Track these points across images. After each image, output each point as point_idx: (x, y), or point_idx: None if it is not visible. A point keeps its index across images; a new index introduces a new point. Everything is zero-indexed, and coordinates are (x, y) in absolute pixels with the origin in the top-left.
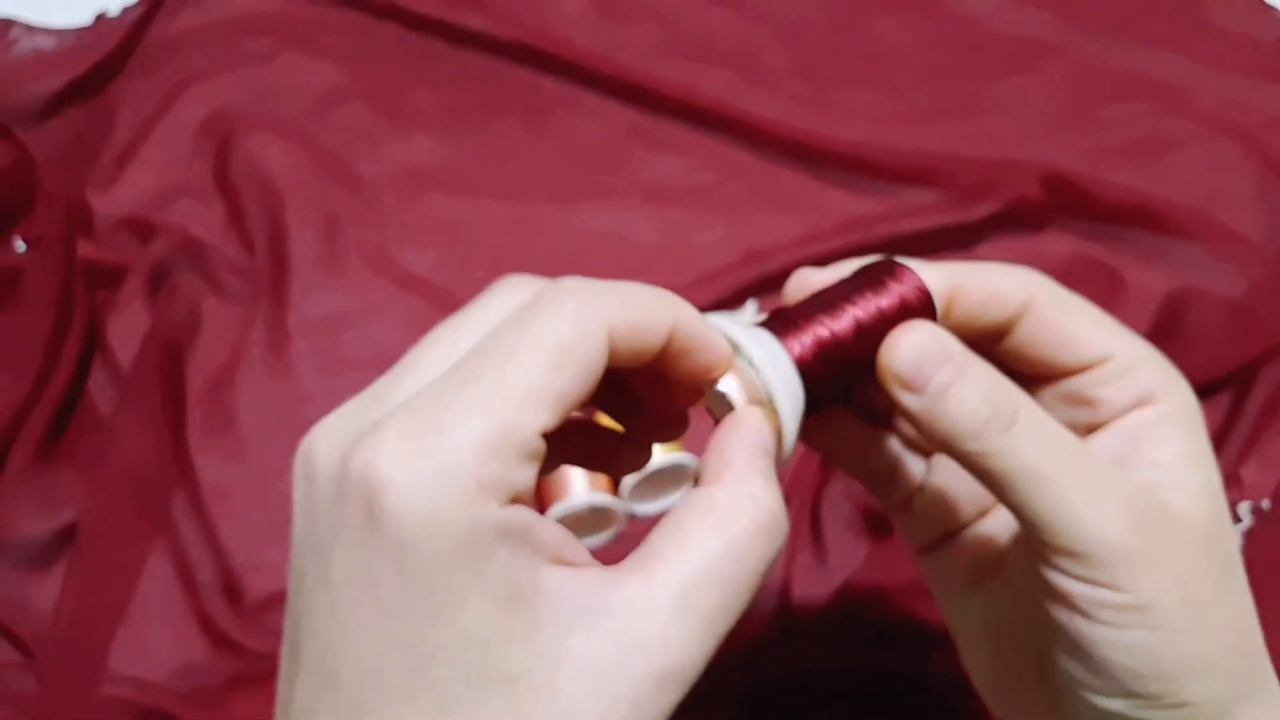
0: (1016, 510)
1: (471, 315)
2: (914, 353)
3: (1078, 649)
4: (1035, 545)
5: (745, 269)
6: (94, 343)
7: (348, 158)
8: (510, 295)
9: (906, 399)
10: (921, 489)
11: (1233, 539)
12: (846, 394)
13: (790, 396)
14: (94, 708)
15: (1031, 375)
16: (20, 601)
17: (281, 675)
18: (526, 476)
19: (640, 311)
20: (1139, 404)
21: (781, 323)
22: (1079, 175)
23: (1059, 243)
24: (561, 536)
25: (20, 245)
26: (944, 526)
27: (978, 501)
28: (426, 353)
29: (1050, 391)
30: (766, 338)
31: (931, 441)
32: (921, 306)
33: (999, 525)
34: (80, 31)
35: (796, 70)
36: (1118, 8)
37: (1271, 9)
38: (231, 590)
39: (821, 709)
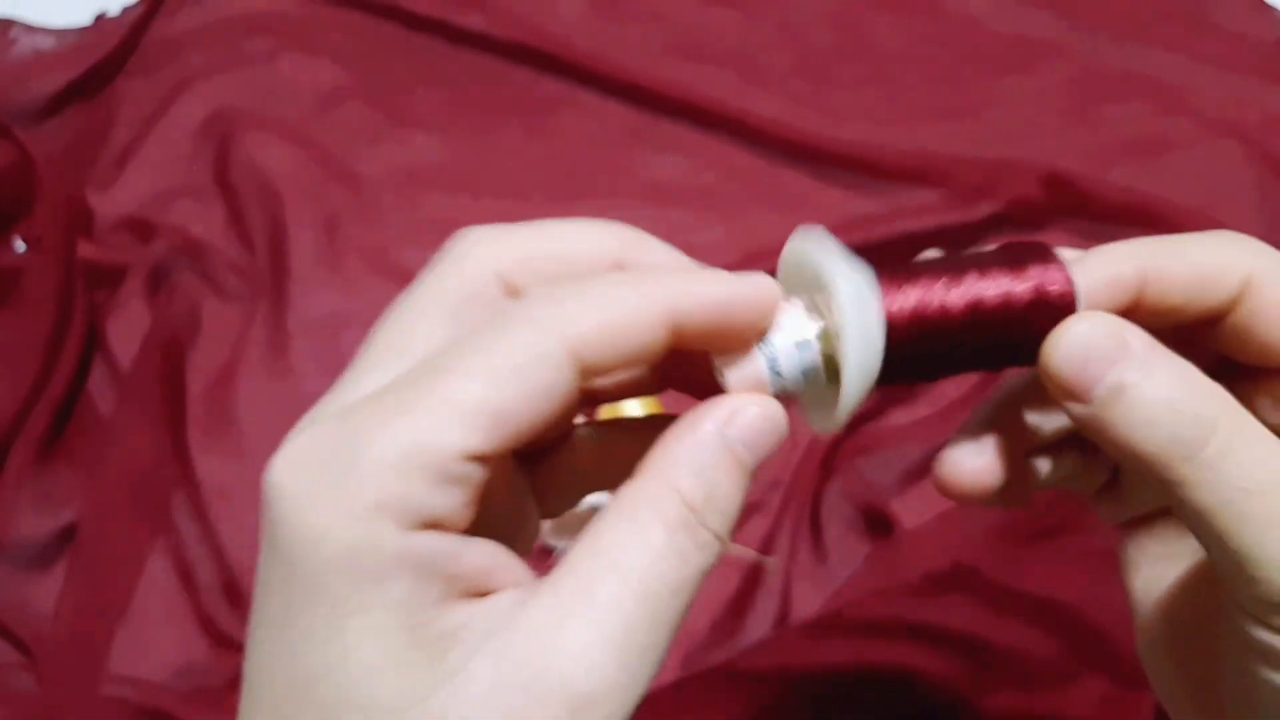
0: (1211, 548)
1: (424, 294)
2: (1079, 348)
3: (1263, 695)
4: (1232, 591)
5: (745, 269)
6: (94, 343)
7: (348, 158)
8: (463, 263)
9: (1071, 408)
10: None
11: None
12: (935, 374)
13: (864, 357)
14: (94, 708)
15: (1246, 370)
16: (20, 601)
17: None
18: (447, 501)
19: (616, 313)
20: None
21: (889, 273)
22: (1079, 175)
23: (1059, 243)
24: (489, 562)
25: (20, 245)
26: (1157, 501)
27: None
28: (371, 352)
29: (1269, 391)
30: (863, 281)
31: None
32: (1061, 303)
33: None
34: (80, 31)
35: (797, 70)
36: (1118, 8)
37: (1271, 9)
38: (231, 590)
39: (820, 708)
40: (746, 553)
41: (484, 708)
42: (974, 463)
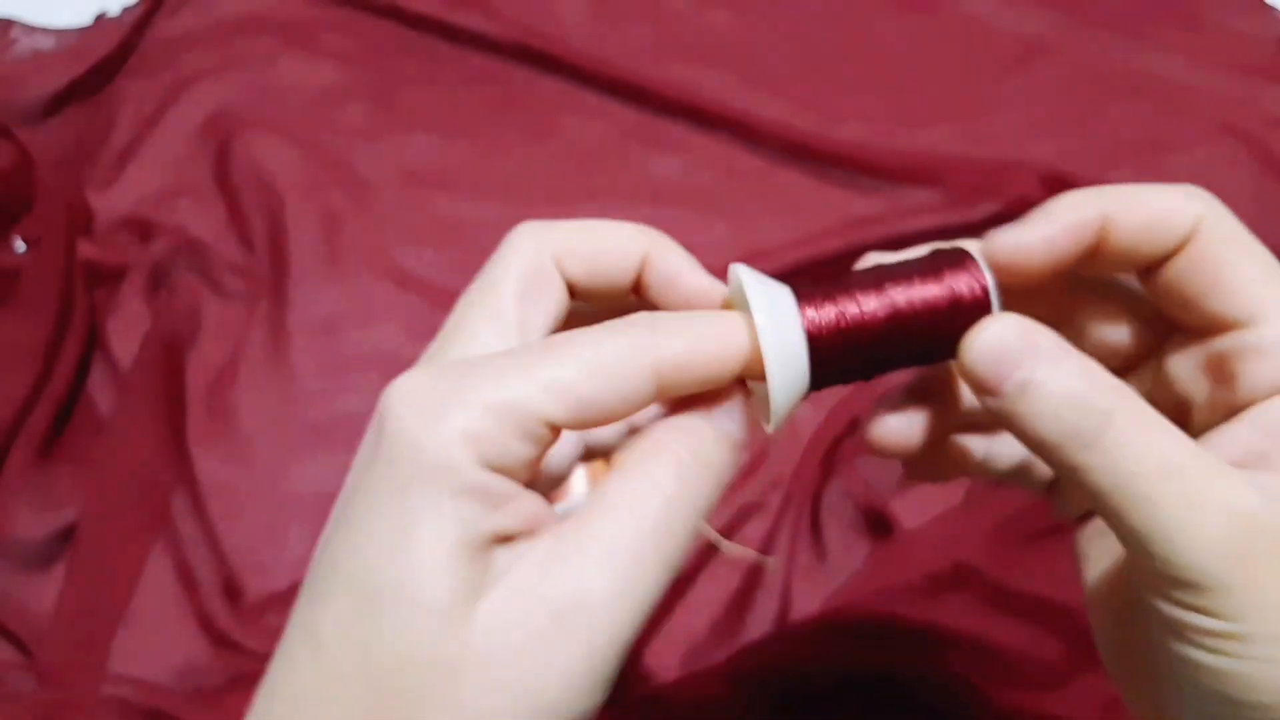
0: (1115, 530)
1: (498, 272)
2: (991, 348)
3: (1174, 668)
4: (1137, 570)
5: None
6: (94, 343)
7: (348, 158)
8: (523, 247)
9: (986, 401)
10: None
11: None
12: (869, 374)
13: (786, 367)
14: (94, 708)
15: (1179, 326)
16: (20, 601)
17: None
18: (522, 453)
19: (697, 346)
20: None
21: (812, 288)
22: (1079, 175)
23: None
24: (536, 510)
25: (20, 245)
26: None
27: None
28: (460, 318)
29: (1194, 355)
30: (784, 298)
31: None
32: (975, 306)
33: None
34: (80, 31)
35: (796, 70)
36: (1118, 8)
37: (1271, 9)
38: (231, 590)
39: (820, 708)
40: (746, 553)
41: (515, 617)
42: (898, 424)
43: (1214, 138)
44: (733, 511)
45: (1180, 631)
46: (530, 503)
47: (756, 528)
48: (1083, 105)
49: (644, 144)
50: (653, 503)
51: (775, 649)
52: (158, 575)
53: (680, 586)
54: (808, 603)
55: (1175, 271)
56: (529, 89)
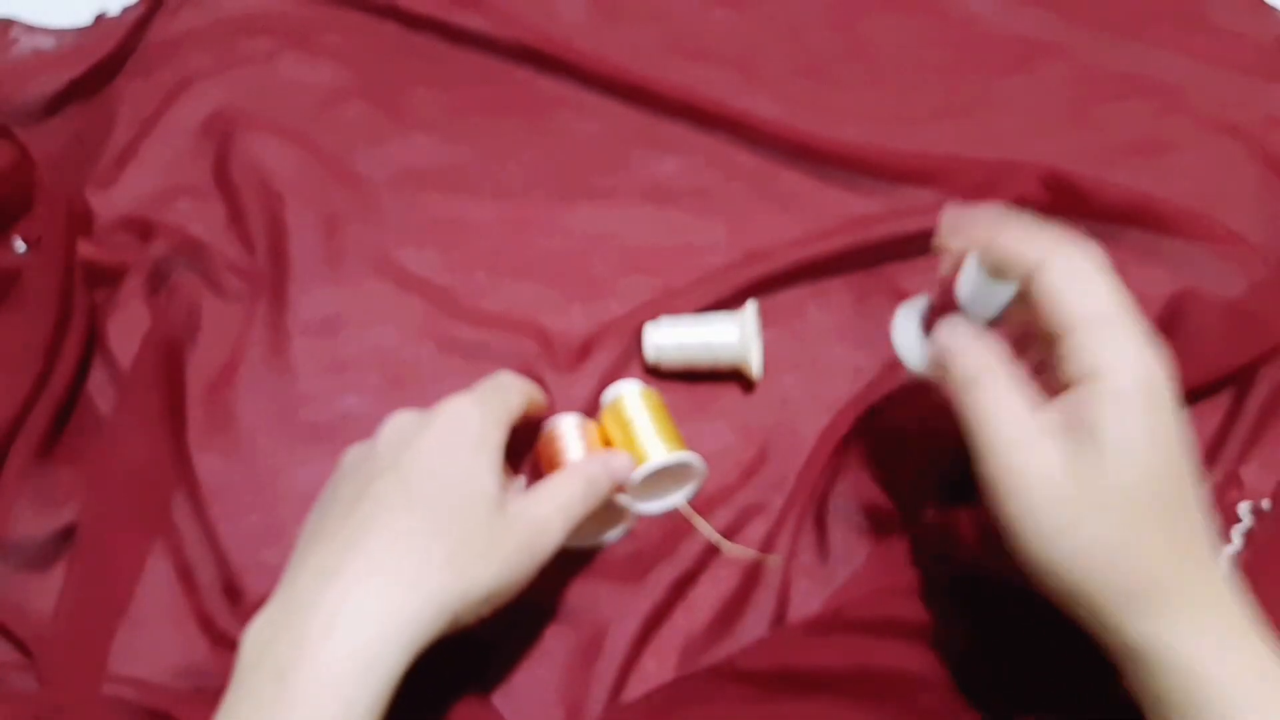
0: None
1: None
2: (944, 333)
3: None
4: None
5: (745, 269)
6: (94, 343)
7: (348, 158)
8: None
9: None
10: None
11: (1162, 510)
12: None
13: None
14: (94, 708)
15: (1053, 339)
16: (20, 601)
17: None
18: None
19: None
20: (1086, 378)
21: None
22: (1079, 175)
23: None
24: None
25: (20, 245)
26: None
27: None
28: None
29: (1059, 347)
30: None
31: None
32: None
33: None
34: (80, 31)
35: (797, 70)
36: (1118, 8)
37: (1271, 9)
38: (231, 590)
39: (820, 708)
40: (747, 552)
41: (518, 518)
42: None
43: (1214, 138)
44: (735, 512)
45: (1007, 529)
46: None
47: (758, 528)
48: (1083, 105)
49: (644, 144)
50: (575, 485)
51: (774, 648)
52: (158, 575)
53: (680, 586)
54: (809, 602)
55: (1032, 290)
56: (529, 89)
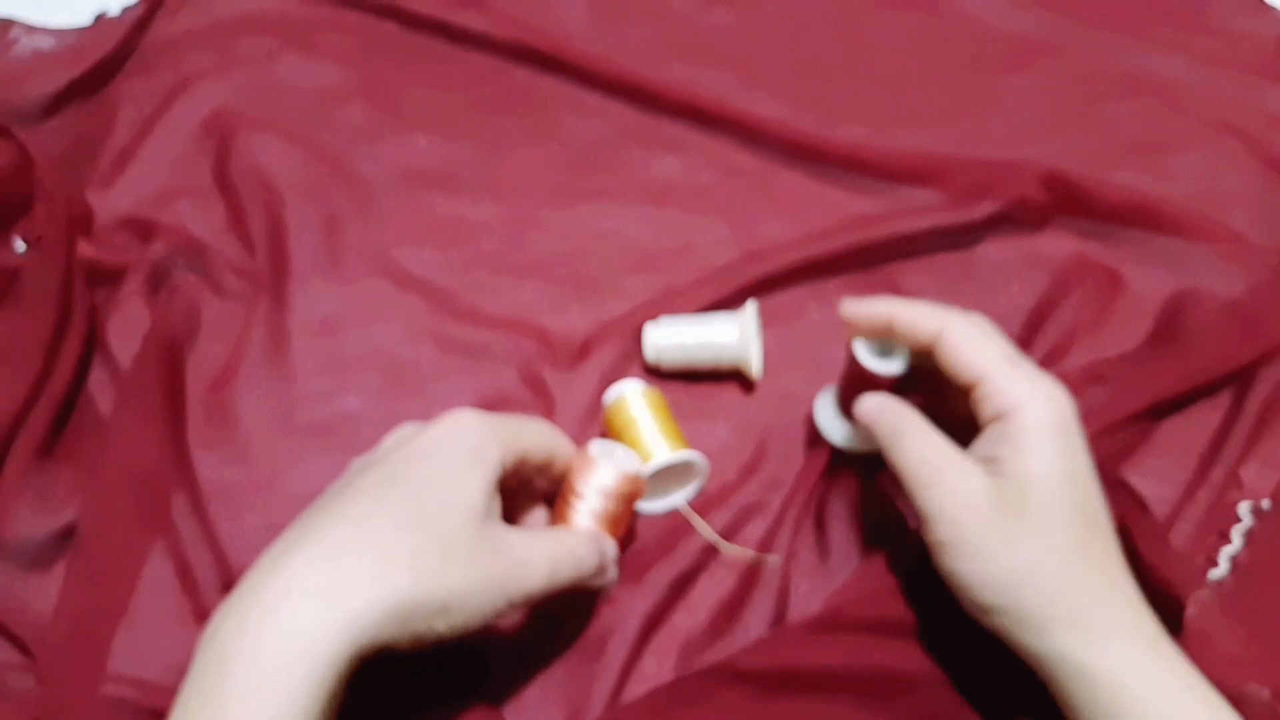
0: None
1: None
2: (864, 404)
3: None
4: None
5: (745, 269)
6: (94, 343)
7: (348, 158)
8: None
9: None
10: None
11: (1075, 532)
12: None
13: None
14: (94, 708)
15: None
16: (20, 601)
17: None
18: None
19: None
20: (999, 418)
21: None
22: (1079, 175)
23: (1059, 243)
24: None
25: (20, 245)
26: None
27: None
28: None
29: (972, 396)
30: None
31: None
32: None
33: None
34: (80, 31)
35: (796, 71)
36: (1118, 8)
37: (1271, 9)
38: (231, 590)
39: (819, 708)
40: (746, 553)
41: (499, 544)
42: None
43: (1214, 138)
44: (733, 513)
45: (939, 553)
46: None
47: (757, 527)
48: (1083, 105)
49: (644, 144)
50: (579, 549)
51: (773, 648)
52: (158, 575)
53: (680, 586)
54: (809, 602)
55: (938, 359)
56: (529, 89)
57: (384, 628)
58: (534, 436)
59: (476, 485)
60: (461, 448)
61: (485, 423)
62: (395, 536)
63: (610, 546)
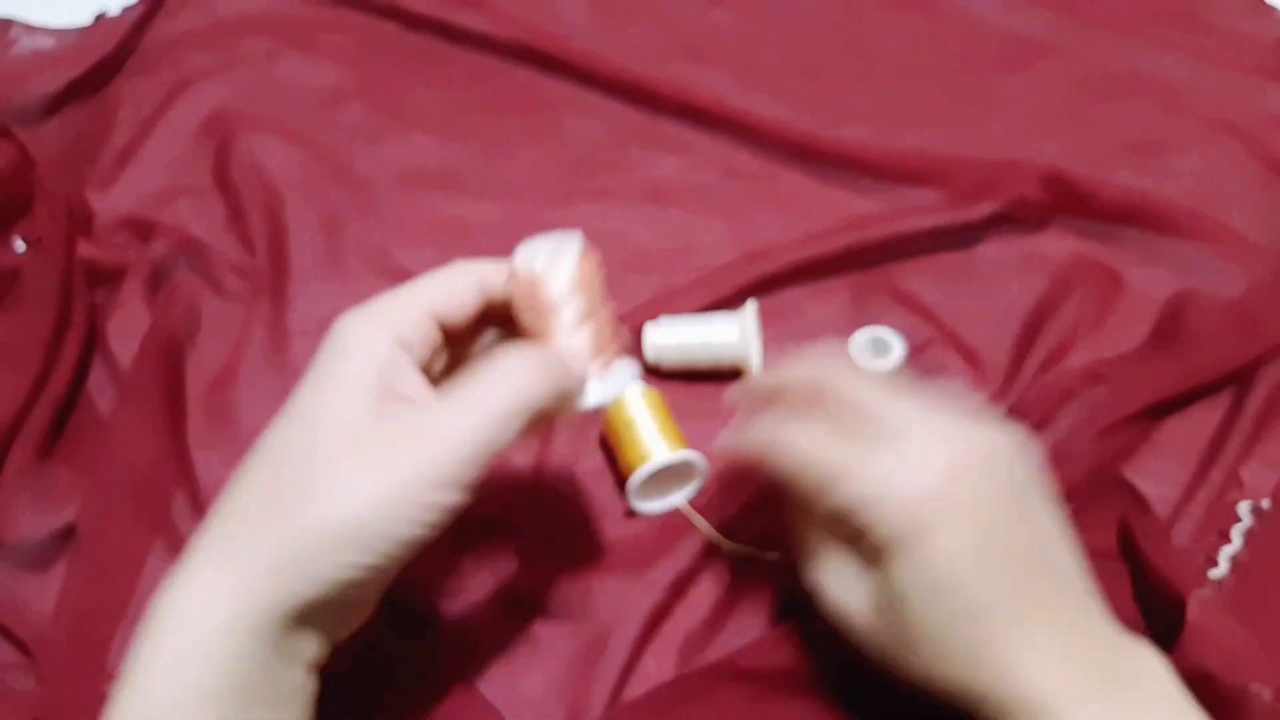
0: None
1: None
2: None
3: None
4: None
5: (745, 269)
6: (94, 343)
7: (348, 158)
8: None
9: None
10: None
11: (973, 639)
12: None
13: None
14: (94, 708)
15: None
16: (20, 601)
17: None
18: (418, 336)
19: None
20: (883, 550)
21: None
22: (1079, 175)
23: (1059, 243)
24: (419, 380)
25: (20, 245)
26: None
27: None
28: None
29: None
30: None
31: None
32: None
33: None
34: (80, 31)
35: (797, 70)
36: (1117, 8)
37: (1271, 9)
38: None
39: (819, 707)
40: (744, 550)
41: (405, 436)
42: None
43: (1214, 138)
44: (733, 509)
45: (886, 569)
46: (416, 374)
47: (757, 526)
48: (1083, 105)
49: (644, 144)
50: (496, 391)
51: (774, 646)
52: (158, 575)
53: (680, 585)
54: (807, 599)
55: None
56: (529, 89)
57: (282, 581)
58: (432, 293)
59: (346, 390)
60: (325, 356)
61: (357, 315)
62: (263, 484)
63: (579, 360)
